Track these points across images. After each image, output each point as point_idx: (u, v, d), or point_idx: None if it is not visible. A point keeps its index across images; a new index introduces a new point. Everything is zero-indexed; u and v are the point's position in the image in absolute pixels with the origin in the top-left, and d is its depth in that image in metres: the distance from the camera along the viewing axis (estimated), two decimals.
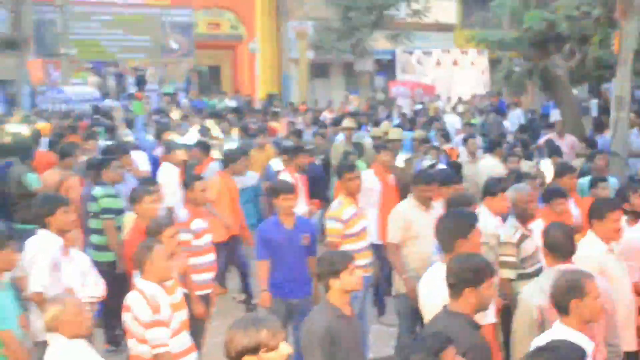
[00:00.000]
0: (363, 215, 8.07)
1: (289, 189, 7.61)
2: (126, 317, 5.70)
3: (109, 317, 8.65)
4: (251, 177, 11.06)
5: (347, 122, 14.46)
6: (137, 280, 5.80)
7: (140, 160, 11.93)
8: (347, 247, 7.48)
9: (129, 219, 8.12)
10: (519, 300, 5.70)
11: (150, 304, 5.58)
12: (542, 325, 5.37)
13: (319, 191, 11.56)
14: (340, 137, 14.65)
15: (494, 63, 28.39)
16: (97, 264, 7.55)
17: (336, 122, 17.68)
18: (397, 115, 23.57)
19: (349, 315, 5.38)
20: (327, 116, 22.75)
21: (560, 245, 5.68)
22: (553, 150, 12.48)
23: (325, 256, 5.57)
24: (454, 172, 9.99)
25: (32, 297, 6.46)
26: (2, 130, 15.44)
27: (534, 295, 5.49)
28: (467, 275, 4.75)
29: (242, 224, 10.40)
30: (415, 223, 7.53)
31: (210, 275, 7.99)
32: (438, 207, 7.56)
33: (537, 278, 5.91)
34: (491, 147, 12.75)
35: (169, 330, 5.68)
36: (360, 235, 7.90)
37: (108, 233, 8.76)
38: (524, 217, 7.21)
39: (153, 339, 5.57)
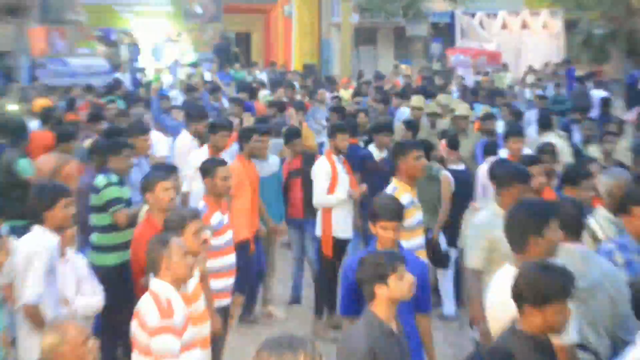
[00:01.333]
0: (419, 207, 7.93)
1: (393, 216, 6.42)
2: (134, 325, 5.66)
3: (108, 334, 8.44)
4: (273, 164, 10.68)
5: (416, 101, 14.37)
6: (152, 280, 5.81)
7: (158, 143, 11.71)
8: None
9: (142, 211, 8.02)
10: None
11: (161, 307, 5.55)
12: None
13: (368, 174, 11.09)
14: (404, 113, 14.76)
15: (569, 26, 28.04)
16: (97, 269, 7.52)
17: (401, 94, 17.48)
18: (457, 87, 23.32)
19: (395, 331, 5.21)
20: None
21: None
22: None
23: (369, 258, 5.34)
24: None
25: (26, 310, 6.37)
26: None
27: None
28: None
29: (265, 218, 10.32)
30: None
31: (230, 280, 7.94)
32: None
33: None
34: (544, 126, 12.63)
35: (179, 342, 5.58)
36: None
37: (120, 225, 8.46)
38: None
39: (158, 349, 5.49)
